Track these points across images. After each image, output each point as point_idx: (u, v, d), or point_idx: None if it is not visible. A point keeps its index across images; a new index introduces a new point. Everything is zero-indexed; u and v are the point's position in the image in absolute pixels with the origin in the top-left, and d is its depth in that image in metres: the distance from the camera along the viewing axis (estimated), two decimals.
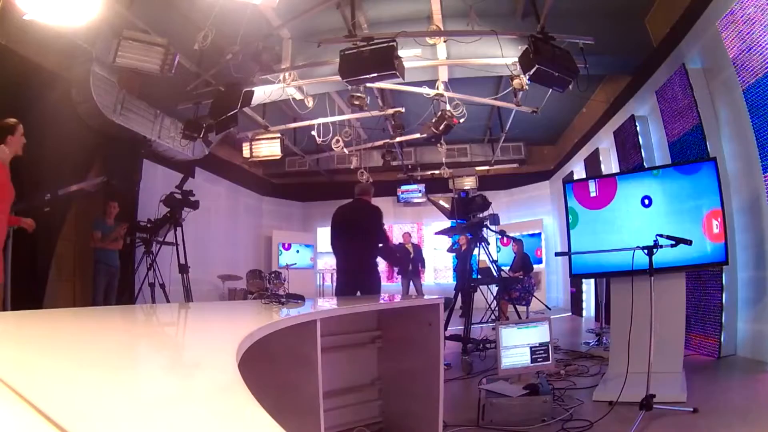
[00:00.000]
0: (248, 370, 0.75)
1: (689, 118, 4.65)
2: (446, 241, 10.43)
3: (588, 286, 8.00)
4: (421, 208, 11.88)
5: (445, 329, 3.32)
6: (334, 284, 4.28)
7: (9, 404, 0.49)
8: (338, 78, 4.85)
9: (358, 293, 3.93)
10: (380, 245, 4.32)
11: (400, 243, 9.41)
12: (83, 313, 1.94)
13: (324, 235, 12.66)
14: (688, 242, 2.86)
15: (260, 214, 11.91)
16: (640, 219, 3.52)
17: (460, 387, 3.85)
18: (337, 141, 8.51)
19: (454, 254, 8.12)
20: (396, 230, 11.73)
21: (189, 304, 3.98)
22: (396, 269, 9.44)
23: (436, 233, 6.54)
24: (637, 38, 5.70)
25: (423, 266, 9.56)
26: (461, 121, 6.86)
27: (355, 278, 4.04)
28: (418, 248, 9.62)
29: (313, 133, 8.38)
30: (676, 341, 3.33)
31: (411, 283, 9.33)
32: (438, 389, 2.46)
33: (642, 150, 5.78)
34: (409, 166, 11.51)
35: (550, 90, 5.11)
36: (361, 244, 4.08)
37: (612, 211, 3.68)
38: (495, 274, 5.44)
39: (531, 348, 3.20)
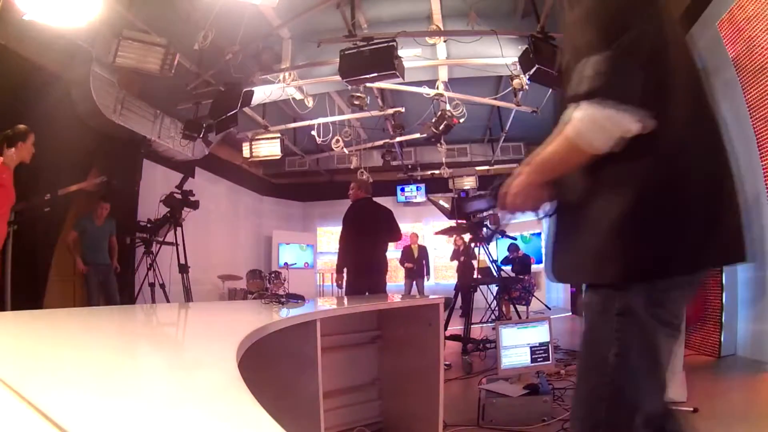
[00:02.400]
0: (248, 370, 0.75)
1: None
2: (445, 242, 10.44)
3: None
4: (421, 208, 11.88)
5: (445, 329, 3.32)
6: (346, 284, 4.28)
7: (9, 404, 0.49)
8: (338, 78, 4.85)
9: (367, 293, 3.95)
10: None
11: (407, 245, 9.44)
12: (83, 313, 1.94)
13: (324, 234, 12.65)
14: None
15: (260, 214, 11.90)
16: None
17: (460, 387, 3.85)
18: (337, 141, 8.51)
19: (455, 259, 8.15)
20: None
21: (189, 304, 3.99)
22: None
23: (436, 233, 6.54)
24: None
25: (428, 270, 9.58)
26: (461, 121, 6.86)
27: (372, 279, 4.09)
28: (423, 249, 9.64)
29: (313, 133, 8.38)
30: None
31: (414, 283, 9.37)
32: (438, 389, 2.46)
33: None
34: (409, 166, 11.51)
35: (550, 90, 5.11)
36: (383, 246, 4.26)
37: None
38: (495, 274, 5.45)
39: (531, 348, 3.19)
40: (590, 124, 0.91)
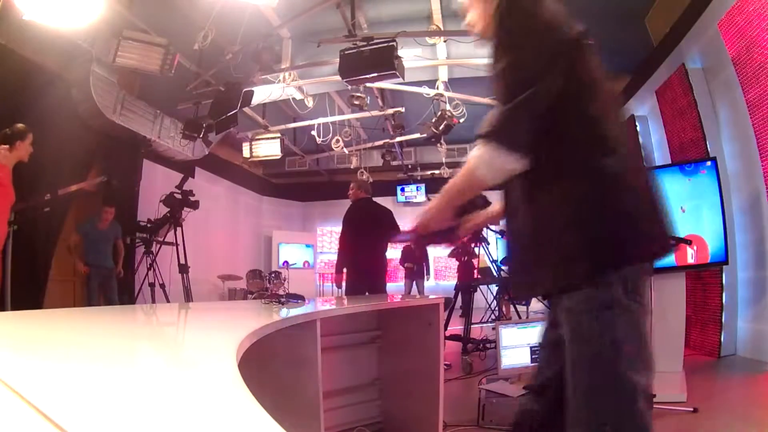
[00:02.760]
0: (248, 370, 0.75)
1: (689, 118, 4.65)
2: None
3: None
4: (422, 208, 11.88)
5: (445, 329, 3.32)
6: (345, 284, 4.27)
7: (9, 404, 0.49)
8: (338, 78, 4.85)
9: (367, 293, 3.95)
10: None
11: (407, 244, 9.42)
12: (83, 313, 1.94)
13: (324, 234, 12.65)
14: (689, 242, 2.86)
15: (260, 214, 11.90)
16: None
17: (460, 387, 3.86)
18: (337, 141, 8.51)
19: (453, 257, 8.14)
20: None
21: (189, 304, 3.98)
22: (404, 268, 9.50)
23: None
24: (637, 38, 5.69)
25: (428, 270, 9.58)
26: (461, 121, 6.86)
27: (371, 279, 4.10)
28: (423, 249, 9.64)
29: (313, 133, 8.38)
30: (676, 341, 3.33)
31: (414, 283, 9.36)
32: (438, 389, 2.46)
33: (642, 150, 5.78)
34: (409, 166, 11.51)
35: None
36: (382, 246, 4.29)
37: None
38: (495, 273, 5.45)
39: (531, 348, 3.19)
40: (482, 162, 1.12)
